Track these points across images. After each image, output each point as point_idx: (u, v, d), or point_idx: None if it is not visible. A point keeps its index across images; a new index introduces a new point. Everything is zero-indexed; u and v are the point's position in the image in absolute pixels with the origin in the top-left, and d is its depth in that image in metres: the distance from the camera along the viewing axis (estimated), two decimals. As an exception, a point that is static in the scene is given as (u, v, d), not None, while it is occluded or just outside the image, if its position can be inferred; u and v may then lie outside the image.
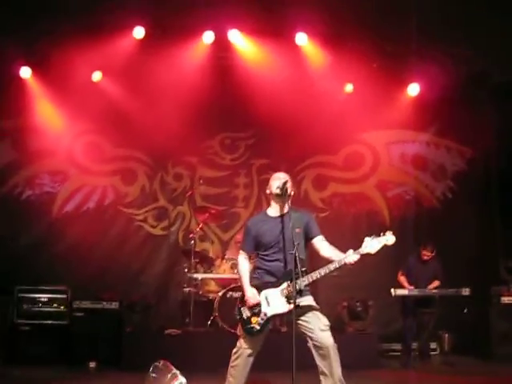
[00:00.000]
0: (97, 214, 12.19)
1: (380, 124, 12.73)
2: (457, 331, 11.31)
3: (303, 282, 5.79)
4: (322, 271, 5.81)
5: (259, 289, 6.03)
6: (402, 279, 10.52)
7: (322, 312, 6.02)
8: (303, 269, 5.84)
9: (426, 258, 10.56)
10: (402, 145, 13.09)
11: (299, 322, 5.85)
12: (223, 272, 10.69)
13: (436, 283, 10.39)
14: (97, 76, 11.72)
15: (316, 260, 6.14)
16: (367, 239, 5.77)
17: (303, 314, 5.87)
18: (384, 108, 12.24)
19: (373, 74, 11.65)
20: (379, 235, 5.79)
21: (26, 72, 11.54)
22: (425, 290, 10.24)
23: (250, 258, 6.32)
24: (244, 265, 6.24)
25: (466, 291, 9.97)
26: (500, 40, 10.76)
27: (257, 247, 6.18)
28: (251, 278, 6.19)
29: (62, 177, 12.27)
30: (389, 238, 5.77)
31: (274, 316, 6.02)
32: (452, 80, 11.72)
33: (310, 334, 5.86)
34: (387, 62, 11.63)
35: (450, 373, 9.73)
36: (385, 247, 5.78)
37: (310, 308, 5.92)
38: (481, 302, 11.14)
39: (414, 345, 10.51)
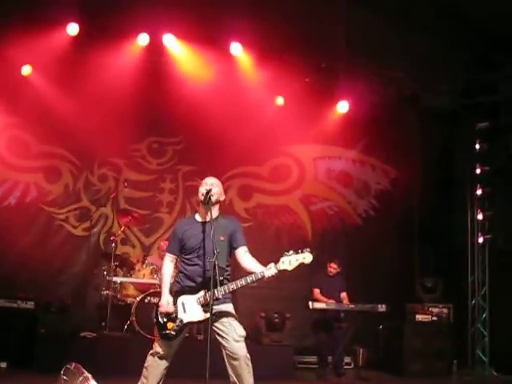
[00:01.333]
0: (17, 210, 11.91)
1: (308, 138, 12.89)
2: (371, 346, 11.51)
3: (220, 291, 5.78)
4: (239, 282, 5.80)
5: (177, 295, 5.99)
6: (317, 293, 10.63)
7: (239, 321, 6.03)
8: (221, 278, 5.83)
9: (332, 272, 10.73)
10: (328, 160, 13.27)
11: (215, 329, 5.85)
12: (143, 277, 10.60)
13: (345, 296, 10.56)
14: (26, 70, 11.48)
15: (240, 269, 6.16)
16: (285, 255, 5.79)
17: (220, 322, 5.87)
18: (313, 123, 12.41)
19: (304, 88, 11.80)
20: (297, 251, 5.81)
21: None
22: (341, 304, 10.37)
23: (175, 261, 6.28)
24: (167, 268, 6.18)
25: (382, 307, 10.12)
26: (430, 65, 11.07)
27: (181, 250, 6.16)
28: (174, 282, 6.16)
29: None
30: (306, 256, 5.78)
31: (190, 323, 6.00)
32: (381, 100, 12.00)
33: (224, 343, 5.86)
34: (319, 78, 11.81)
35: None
36: (302, 264, 5.82)
37: (227, 317, 5.92)
38: (396, 319, 11.36)
39: (329, 358, 10.63)
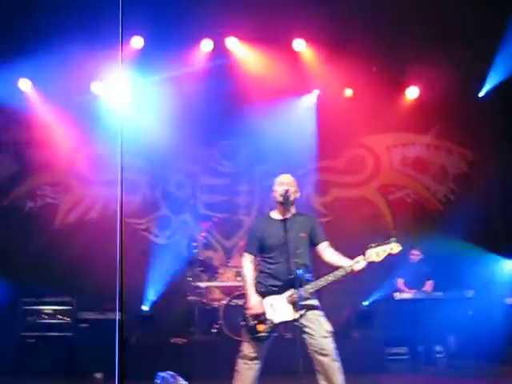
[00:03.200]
0: (99, 223, 12.16)
1: (380, 128, 12.76)
2: (462, 333, 11.30)
3: (309, 289, 5.78)
4: (329, 278, 5.79)
5: (264, 295, 5.98)
6: (401, 284, 10.54)
7: (325, 317, 6.01)
8: (308, 275, 5.83)
9: (415, 260, 10.60)
10: (402, 148, 13.12)
11: (301, 327, 5.81)
12: (227, 280, 10.67)
13: (430, 283, 10.42)
14: (96, 86, 11.72)
15: (320, 265, 6.13)
16: (371, 247, 5.76)
17: (306, 319, 5.83)
18: (384, 112, 12.25)
19: (372, 78, 11.68)
20: (383, 242, 5.78)
21: (25, 85, 11.59)
22: (427, 293, 10.25)
23: (254, 261, 6.27)
24: (248, 268, 6.15)
25: (470, 293, 9.96)
26: (502, 41, 10.82)
27: (261, 249, 6.14)
28: (255, 282, 6.13)
29: (64, 187, 12.28)
30: (393, 246, 5.76)
31: (282, 323, 5.97)
32: (451, 82, 11.74)
33: (311, 341, 5.82)
34: (386, 66, 11.67)
35: (456, 376, 9.70)
36: (390, 255, 5.78)
37: (312, 313, 5.89)
38: (486, 304, 11.12)
39: (420, 348, 10.50)
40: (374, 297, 11.42)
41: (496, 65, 11.48)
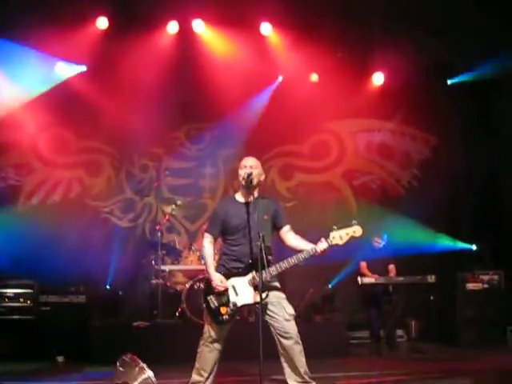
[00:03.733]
0: (63, 206, 12.07)
1: (346, 113, 12.78)
2: (423, 318, 11.44)
3: (272, 271, 5.79)
4: (291, 261, 5.83)
5: (225, 277, 5.99)
6: (364, 267, 10.61)
7: (288, 301, 6.03)
8: (269, 257, 5.84)
9: (377, 245, 10.70)
10: (367, 133, 13.18)
11: (265, 310, 5.83)
12: (190, 263, 10.66)
13: (393, 268, 10.53)
14: (60, 67, 11.58)
15: (282, 248, 6.16)
16: (334, 229, 5.79)
17: (269, 302, 5.86)
18: (349, 97, 12.22)
19: (337, 63, 11.68)
20: (346, 225, 5.81)
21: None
22: (390, 278, 10.34)
23: (215, 242, 6.27)
24: (209, 249, 6.18)
25: (431, 278, 10.05)
26: (467, 29, 10.86)
27: (223, 231, 6.15)
28: (217, 265, 6.15)
29: (27, 169, 12.15)
30: (356, 229, 5.81)
31: (244, 306, 6.00)
32: (416, 68, 11.80)
33: (274, 324, 5.87)
34: (351, 51, 11.67)
35: (417, 359, 9.81)
36: (353, 238, 5.81)
37: (276, 296, 5.93)
38: (446, 289, 11.25)
39: (382, 332, 10.60)
40: (337, 280, 11.51)
41: (464, 49, 11.52)
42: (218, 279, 5.97)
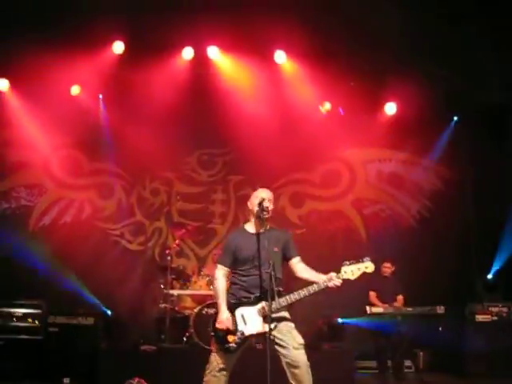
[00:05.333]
0: (73, 227, 12.12)
1: (357, 142, 12.79)
2: (432, 349, 11.38)
3: (282, 302, 5.79)
4: (302, 293, 5.83)
5: (235, 307, 5.99)
6: (373, 296, 10.58)
7: (297, 329, 6.02)
8: (280, 288, 5.84)
9: (386, 273, 10.67)
10: (378, 163, 13.18)
11: (274, 339, 5.80)
12: (199, 288, 10.65)
13: (401, 298, 10.49)
14: (75, 90, 11.69)
15: (292, 280, 6.16)
16: (345, 264, 5.80)
17: (278, 331, 5.84)
18: (361, 126, 12.30)
19: (350, 92, 11.73)
20: (358, 260, 5.82)
21: (3, 84, 11.54)
22: (399, 308, 10.30)
23: (227, 274, 6.26)
24: (221, 281, 6.15)
25: (440, 309, 10.01)
26: (478, 60, 10.90)
27: (234, 262, 6.14)
28: (227, 294, 6.13)
29: (39, 190, 12.23)
30: (368, 266, 5.82)
31: (252, 335, 5.97)
32: (429, 99, 11.84)
33: (283, 352, 5.83)
34: (364, 81, 11.71)
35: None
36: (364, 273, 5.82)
37: (285, 325, 5.91)
38: (455, 320, 11.19)
39: (389, 362, 10.54)
40: (347, 311, 11.44)
41: (475, 81, 11.56)
42: (225, 317, 5.94)
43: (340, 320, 11.20)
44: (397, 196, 13.08)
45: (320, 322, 10.81)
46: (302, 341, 5.91)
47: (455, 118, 12.75)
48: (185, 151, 12.65)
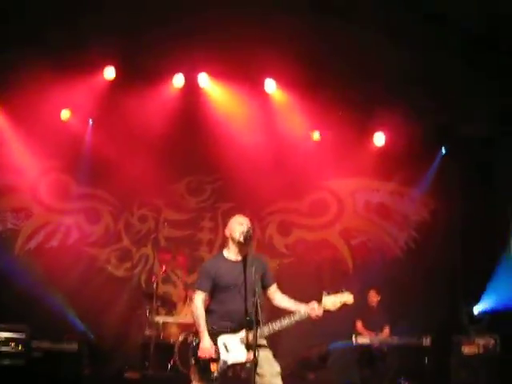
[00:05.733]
0: (60, 252, 12.05)
1: (345, 172, 12.84)
2: (417, 380, 11.32)
3: (265, 331, 5.73)
4: (284, 322, 5.77)
5: (216, 335, 5.88)
6: (360, 326, 10.56)
7: (281, 358, 5.97)
8: (261, 317, 5.74)
9: (373, 302, 10.68)
10: (366, 193, 13.22)
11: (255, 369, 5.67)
12: (185, 316, 10.61)
13: (387, 331, 10.47)
14: (65, 114, 11.71)
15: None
16: (325, 295, 5.78)
17: (258, 359, 5.75)
18: (349, 156, 12.36)
19: (340, 122, 11.79)
20: (337, 291, 5.81)
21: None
22: (385, 338, 10.28)
23: (206, 300, 6.07)
24: (202, 309, 5.97)
25: (426, 341, 10.00)
26: (465, 93, 11.00)
27: (214, 289, 6.01)
28: (206, 323, 5.96)
29: (26, 214, 12.18)
30: (347, 298, 5.80)
31: (235, 364, 5.88)
32: (417, 130, 11.93)
33: (261, 381, 5.71)
34: (354, 111, 11.76)
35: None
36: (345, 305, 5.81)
37: (263, 354, 5.79)
38: (441, 351, 11.16)
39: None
40: (333, 340, 11.41)
41: (462, 113, 11.66)
42: (207, 344, 5.81)
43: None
44: (384, 226, 13.09)
45: (310, 351, 10.75)
46: (279, 369, 5.83)
47: (443, 150, 12.82)
48: (174, 178, 12.65)
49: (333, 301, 5.75)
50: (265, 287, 6.08)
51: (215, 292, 6.03)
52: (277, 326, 5.79)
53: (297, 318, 5.75)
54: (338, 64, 10.60)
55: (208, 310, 6.05)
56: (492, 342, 11.30)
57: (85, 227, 12.34)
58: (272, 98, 11.66)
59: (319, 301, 5.78)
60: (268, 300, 6.10)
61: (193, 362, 5.94)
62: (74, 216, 12.34)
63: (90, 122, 12.01)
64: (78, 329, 11.00)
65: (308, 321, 5.99)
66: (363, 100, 11.56)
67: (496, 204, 12.35)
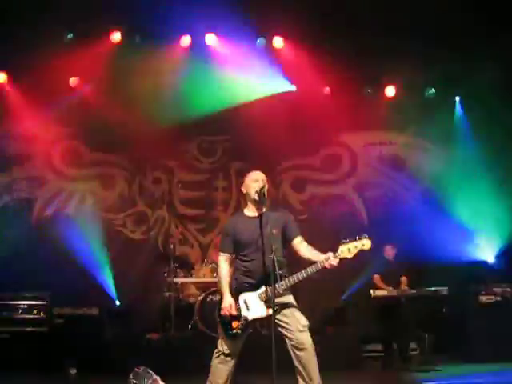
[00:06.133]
0: (76, 218, 12.11)
1: (357, 125, 12.77)
2: (436, 331, 11.39)
3: (282, 285, 5.77)
4: (300, 275, 5.79)
5: (237, 292, 5.99)
6: (378, 279, 10.58)
7: (300, 311, 6.01)
8: (281, 271, 5.79)
9: (389, 256, 10.68)
10: (379, 146, 13.16)
11: (278, 322, 5.79)
12: (203, 276, 10.69)
13: (405, 280, 10.49)
14: (74, 81, 11.67)
15: (295, 261, 6.15)
16: (343, 243, 5.77)
17: (282, 314, 5.83)
18: (361, 109, 12.28)
19: (350, 76, 11.70)
20: (355, 238, 5.79)
21: (2, 77, 11.53)
22: (403, 290, 10.30)
23: (229, 260, 6.23)
24: (224, 268, 6.13)
25: (444, 291, 10.02)
26: (475, 41, 10.89)
27: (235, 247, 6.12)
28: (230, 281, 6.10)
29: (40, 182, 12.22)
30: (365, 243, 5.76)
31: (255, 320, 5.96)
32: (429, 81, 11.83)
33: (288, 335, 5.82)
34: (363, 64, 11.66)
35: (430, 372, 9.75)
36: (362, 251, 5.79)
37: (288, 308, 5.89)
38: (459, 301, 11.20)
39: (395, 345, 10.56)
40: (350, 293, 11.50)
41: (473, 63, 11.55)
42: (228, 303, 5.95)
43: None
44: (398, 178, 13.07)
45: (327, 305, 10.84)
46: (306, 322, 5.89)
47: (457, 100, 12.72)
48: (185, 139, 12.63)
49: (349, 247, 5.73)
50: (289, 240, 6.09)
51: (237, 250, 6.12)
52: (293, 279, 5.82)
53: (313, 269, 5.76)
54: (347, 17, 10.53)
55: (234, 268, 6.17)
56: (509, 289, 11.33)
57: (99, 193, 12.36)
58: (281, 55, 11.57)
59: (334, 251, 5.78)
60: (295, 253, 6.10)
61: (218, 319, 6.08)
62: (88, 182, 12.37)
63: (99, 87, 11.92)
64: (107, 294, 11.06)
65: (327, 275, 6.02)
66: (373, 52, 11.44)
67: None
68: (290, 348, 5.84)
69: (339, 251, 5.73)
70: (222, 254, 6.22)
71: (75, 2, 10.02)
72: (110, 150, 12.36)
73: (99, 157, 12.43)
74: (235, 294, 6.00)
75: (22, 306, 10.19)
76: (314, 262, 5.81)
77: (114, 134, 11.85)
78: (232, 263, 6.24)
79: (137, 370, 6.05)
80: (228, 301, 5.97)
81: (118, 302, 11.40)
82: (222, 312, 5.97)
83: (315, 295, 10.96)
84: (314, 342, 5.87)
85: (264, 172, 6.24)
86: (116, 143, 12.10)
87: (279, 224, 6.03)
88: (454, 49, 11.14)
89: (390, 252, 10.72)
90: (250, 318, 5.92)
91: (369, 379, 9.17)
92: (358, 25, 10.66)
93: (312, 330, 5.97)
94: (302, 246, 6.05)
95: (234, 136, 12.61)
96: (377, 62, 11.65)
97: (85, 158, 12.39)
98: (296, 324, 5.83)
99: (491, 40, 10.80)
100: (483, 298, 11.05)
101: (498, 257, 12.13)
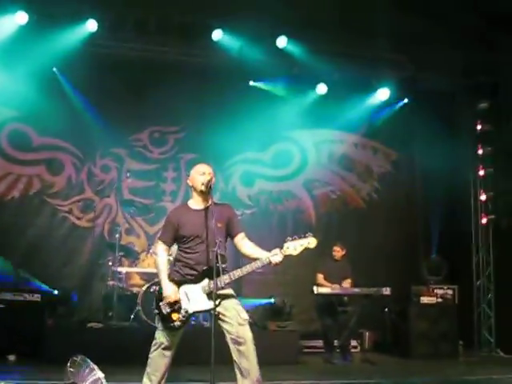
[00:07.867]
0: (21, 203, 11.92)
1: (309, 123, 12.86)
2: (377, 329, 11.56)
3: (225, 280, 5.77)
4: (245, 270, 5.78)
5: (179, 284, 5.93)
6: (321, 278, 10.66)
7: (241, 305, 6.01)
8: (223, 265, 5.79)
9: (336, 256, 10.77)
10: (330, 144, 13.28)
11: (218, 315, 5.77)
12: (148, 266, 10.67)
13: (348, 282, 10.59)
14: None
15: (237, 256, 6.16)
16: (288, 240, 5.79)
17: (223, 307, 5.79)
18: (313, 108, 12.39)
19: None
20: (301, 236, 5.82)
21: None
22: (346, 289, 10.40)
23: (169, 250, 6.19)
24: (163, 257, 6.06)
25: (386, 290, 10.15)
26: (429, 47, 11.05)
27: (177, 238, 6.07)
28: (171, 271, 6.09)
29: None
30: (310, 241, 5.79)
31: (196, 313, 5.97)
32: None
33: (228, 328, 5.78)
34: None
35: (369, 370, 9.88)
36: (307, 249, 5.83)
37: (229, 301, 5.87)
38: (401, 301, 11.38)
39: (336, 342, 10.66)
40: (295, 291, 11.58)
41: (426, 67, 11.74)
42: (171, 291, 5.90)
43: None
44: (347, 178, 13.22)
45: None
46: (246, 316, 5.87)
47: (405, 101, 12.90)
48: (136, 128, 12.52)
49: (294, 245, 5.75)
50: (232, 236, 6.09)
51: (179, 242, 6.07)
52: (237, 273, 5.81)
53: (258, 264, 5.75)
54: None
55: (175, 259, 6.15)
56: (450, 292, 11.57)
57: (47, 178, 12.17)
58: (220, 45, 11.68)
59: (279, 247, 5.81)
60: (236, 248, 6.11)
61: (156, 311, 6.00)
62: (35, 167, 12.17)
63: (55, 69, 11.73)
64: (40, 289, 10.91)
65: (270, 269, 6.05)
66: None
67: (457, 155, 12.49)
68: (229, 342, 5.80)
69: (284, 248, 5.76)
70: (161, 243, 6.12)
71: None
72: (60, 134, 12.13)
73: (48, 141, 12.21)
74: (176, 286, 5.94)
75: (-39, 291, 10.00)
76: (255, 259, 5.82)
77: (64, 118, 11.70)
78: (170, 253, 6.20)
79: (75, 358, 5.99)
80: (170, 288, 5.90)
81: (55, 292, 11.20)
82: (167, 300, 5.89)
83: (259, 289, 11.03)
84: (256, 337, 5.89)
85: (214, 165, 6.24)
86: (66, 128, 11.92)
87: (223, 218, 6.01)
88: (411, 51, 11.34)
89: (337, 252, 10.78)
90: (191, 310, 5.89)
91: (308, 374, 9.21)
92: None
93: (255, 325, 5.99)
94: (244, 242, 6.05)
95: (185, 127, 12.56)
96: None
97: (33, 142, 12.15)
98: (236, 317, 5.81)
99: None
100: (424, 299, 11.27)
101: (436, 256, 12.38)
